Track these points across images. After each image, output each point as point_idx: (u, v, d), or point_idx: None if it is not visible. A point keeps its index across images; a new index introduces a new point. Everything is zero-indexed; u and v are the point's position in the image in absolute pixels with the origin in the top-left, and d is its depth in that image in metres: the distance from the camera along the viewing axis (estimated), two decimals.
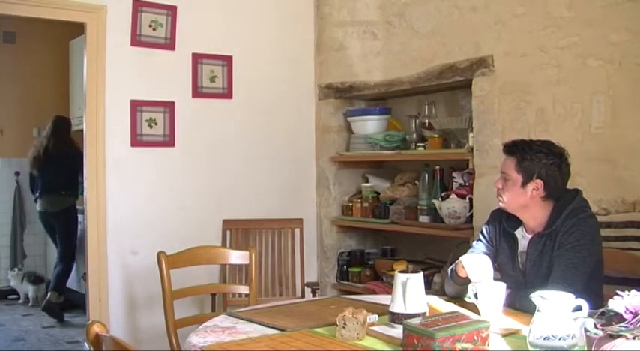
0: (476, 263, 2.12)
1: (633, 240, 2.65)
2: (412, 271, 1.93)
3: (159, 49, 3.74)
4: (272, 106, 4.17)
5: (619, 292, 1.53)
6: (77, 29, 4.54)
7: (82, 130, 3.73)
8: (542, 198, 2.19)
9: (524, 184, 2.18)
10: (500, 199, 2.26)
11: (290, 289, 3.92)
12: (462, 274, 2.18)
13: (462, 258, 2.17)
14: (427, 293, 1.97)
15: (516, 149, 2.22)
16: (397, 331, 1.75)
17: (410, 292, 1.86)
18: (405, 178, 4.01)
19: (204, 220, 3.89)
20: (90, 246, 3.56)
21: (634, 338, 1.39)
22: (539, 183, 2.18)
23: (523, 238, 2.26)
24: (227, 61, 3.99)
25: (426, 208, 3.64)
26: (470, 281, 2.11)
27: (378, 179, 4.22)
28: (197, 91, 3.89)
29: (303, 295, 3.90)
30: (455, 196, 3.47)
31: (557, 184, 2.20)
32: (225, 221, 3.94)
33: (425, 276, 1.96)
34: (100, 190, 3.57)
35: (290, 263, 3.94)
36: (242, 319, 2.07)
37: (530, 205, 2.20)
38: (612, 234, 2.67)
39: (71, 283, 5.67)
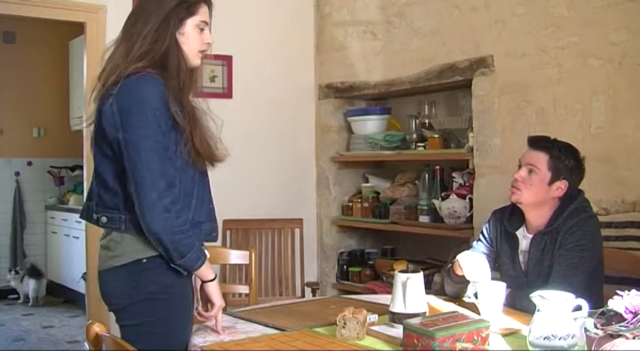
0: (472, 262, 2.12)
1: (633, 240, 2.65)
2: (412, 271, 1.92)
3: None
4: (272, 106, 4.17)
5: (619, 292, 1.53)
6: (77, 29, 4.54)
7: (82, 130, 3.73)
8: (559, 198, 2.19)
9: (551, 182, 2.16)
10: (517, 191, 2.19)
11: (290, 289, 3.92)
12: (459, 272, 2.17)
13: (459, 257, 2.17)
14: (427, 293, 1.97)
15: (551, 145, 2.18)
16: (397, 331, 1.74)
17: (410, 292, 1.86)
18: (405, 178, 4.01)
19: None
20: (90, 246, 3.56)
21: (634, 338, 1.39)
22: (564, 183, 2.17)
23: (524, 238, 2.26)
24: (227, 61, 3.99)
25: (426, 208, 3.64)
26: (467, 280, 2.11)
27: (378, 179, 4.22)
28: (197, 91, 3.88)
29: (303, 295, 3.90)
30: (455, 196, 3.47)
31: (575, 188, 2.21)
32: (225, 221, 3.93)
33: (425, 276, 1.96)
34: None
35: (290, 263, 3.94)
36: (242, 319, 2.07)
37: (545, 204, 2.19)
38: (612, 234, 2.68)
39: (71, 283, 5.68)
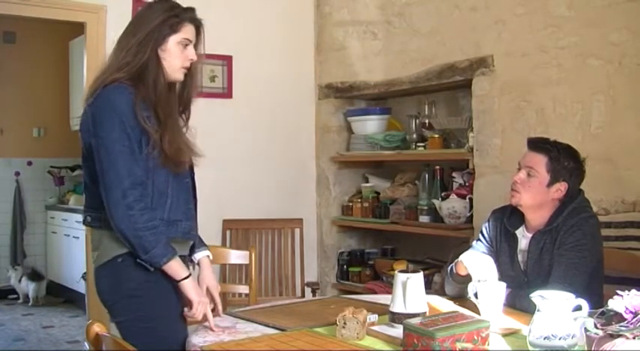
0: (477, 261, 2.12)
1: (633, 240, 2.65)
2: (412, 271, 1.92)
3: None
4: (272, 105, 4.17)
5: (619, 292, 1.53)
6: (77, 29, 4.54)
7: None
8: (558, 200, 2.19)
9: (550, 184, 2.16)
10: (517, 193, 2.20)
11: (290, 289, 3.92)
12: (462, 272, 2.17)
13: (462, 256, 2.17)
14: (427, 293, 1.97)
15: (550, 147, 2.18)
16: (397, 331, 1.74)
17: (410, 292, 1.86)
18: (405, 178, 4.01)
19: (204, 220, 3.86)
20: (90, 246, 3.56)
21: (634, 338, 1.39)
22: (564, 186, 2.17)
23: (523, 237, 2.26)
24: (227, 60, 3.99)
25: (426, 208, 3.64)
26: (470, 279, 2.10)
27: (378, 179, 4.22)
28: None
29: (303, 295, 3.90)
30: (455, 196, 3.47)
31: (575, 190, 2.21)
32: (225, 221, 3.94)
33: (425, 276, 1.96)
34: None
35: (290, 263, 3.94)
36: (242, 319, 2.07)
37: (544, 205, 2.19)
38: (612, 234, 2.67)
39: (71, 283, 5.67)
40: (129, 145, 1.84)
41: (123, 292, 1.91)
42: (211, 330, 1.91)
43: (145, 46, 1.92)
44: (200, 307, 1.92)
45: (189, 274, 1.94)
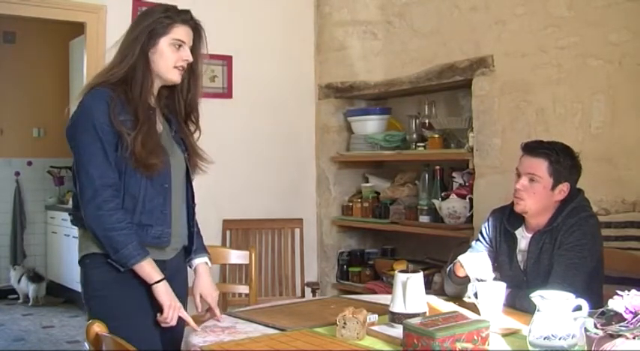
0: (474, 262, 2.12)
1: (633, 240, 2.65)
2: (412, 271, 1.93)
3: None
4: (272, 105, 4.17)
5: (619, 292, 1.53)
6: (77, 29, 4.54)
7: None
8: (561, 200, 2.19)
9: (554, 186, 2.15)
10: (521, 201, 2.17)
11: (290, 289, 3.92)
12: (460, 273, 2.17)
13: (460, 257, 2.17)
14: (427, 293, 1.97)
15: (548, 151, 2.16)
16: (397, 331, 1.75)
17: (410, 292, 1.86)
18: (405, 178, 4.01)
19: (205, 220, 3.86)
20: None
21: (634, 338, 1.39)
22: (566, 186, 2.16)
23: (523, 237, 2.25)
24: (227, 60, 3.99)
25: (426, 208, 3.64)
26: (469, 280, 2.11)
27: (378, 179, 4.22)
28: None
29: (303, 295, 3.90)
30: (455, 196, 3.47)
31: (575, 186, 2.21)
32: (225, 221, 3.94)
33: (425, 276, 1.96)
34: None
35: (290, 263, 3.94)
36: (242, 319, 2.07)
37: (548, 208, 2.19)
38: (612, 234, 2.67)
39: (71, 283, 5.67)
40: (101, 147, 1.87)
41: (89, 292, 1.96)
42: (194, 329, 1.92)
43: (134, 47, 1.95)
44: (171, 311, 1.91)
45: (162, 279, 1.92)
